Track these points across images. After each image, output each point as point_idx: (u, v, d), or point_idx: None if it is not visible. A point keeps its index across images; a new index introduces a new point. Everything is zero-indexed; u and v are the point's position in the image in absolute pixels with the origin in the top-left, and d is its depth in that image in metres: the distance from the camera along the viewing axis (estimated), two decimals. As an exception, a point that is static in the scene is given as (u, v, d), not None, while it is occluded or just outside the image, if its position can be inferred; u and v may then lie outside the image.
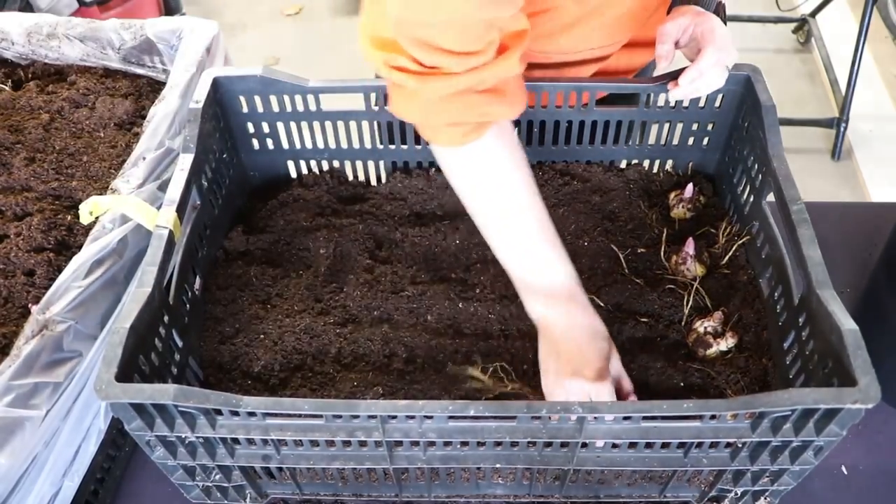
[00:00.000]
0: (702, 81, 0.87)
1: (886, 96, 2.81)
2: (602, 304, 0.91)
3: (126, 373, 0.66)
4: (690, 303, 0.90)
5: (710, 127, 1.02)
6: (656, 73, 0.93)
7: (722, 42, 0.86)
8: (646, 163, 1.08)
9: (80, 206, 0.88)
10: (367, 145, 1.05)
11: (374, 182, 1.10)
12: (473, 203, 0.83)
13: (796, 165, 0.85)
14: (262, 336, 0.88)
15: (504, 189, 0.81)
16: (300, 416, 0.67)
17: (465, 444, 0.72)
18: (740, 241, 0.94)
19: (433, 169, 1.08)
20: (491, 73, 0.74)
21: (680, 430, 0.68)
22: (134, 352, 0.68)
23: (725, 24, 0.91)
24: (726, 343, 0.85)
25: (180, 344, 0.81)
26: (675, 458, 0.73)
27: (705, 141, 1.04)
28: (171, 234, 0.79)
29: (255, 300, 0.92)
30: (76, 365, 0.77)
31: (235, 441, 0.71)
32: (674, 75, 0.89)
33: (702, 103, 0.99)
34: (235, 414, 0.66)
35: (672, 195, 1.04)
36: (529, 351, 0.87)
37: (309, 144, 1.05)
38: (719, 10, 0.92)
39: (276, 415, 0.67)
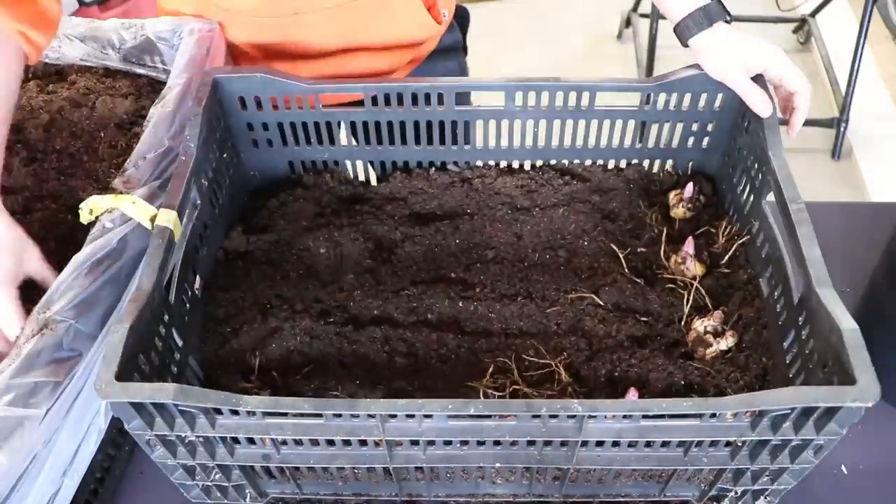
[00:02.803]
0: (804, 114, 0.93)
1: (886, 96, 2.81)
2: (602, 304, 0.91)
3: (126, 372, 0.66)
4: (690, 302, 0.90)
5: (710, 127, 1.02)
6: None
7: (804, 81, 0.91)
8: (646, 163, 1.08)
9: (80, 206, 0.88)
10: (367, 145, 1.05)
11: (374, 182, 1.10)
12: None
13: (796, 165, 0.85)
14: (262, 336, 0.88)
15: None
16: (300, 415, 0.67)
17: (464, 443, 0.72)
18: (740, 241, 0.94)
19: (433, 169, 1.08)
20: None
21: (680, 428, 0.68)
22: (134, 351, 0.68)
23: (731, 15, 0.93)
24: (726, 342, 0.85)
25: (180, 343, 0.81)
26: (675, 457, 0.73)
27: (705, 141, 1.04)
28: (171, 234, 0.79)
29: (255, 300, 0.92)
30: (76, 364, 0.77)
31: (235, 440, 0.72)
32: (782, 122, 0.91)
33: (702, 104, 0.99)
34: (235, 413, 0.66)
35: (672, 195, 1.04)
36: (531, 349, 0.87)
37: (309, 144, 1.05)
38: (724, 8, 0.93)
39: (276, 414, 0.67)
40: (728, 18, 0.92)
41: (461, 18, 1.29)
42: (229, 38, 1.10)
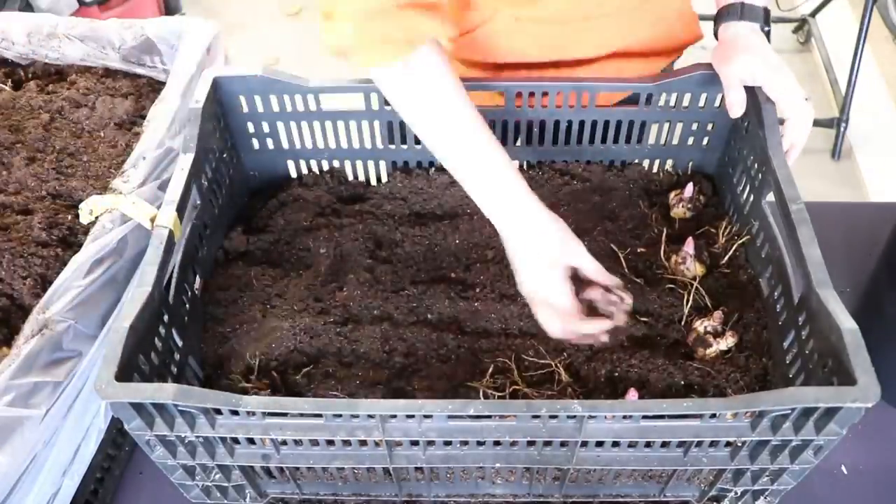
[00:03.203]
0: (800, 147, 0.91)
1: (886, 96, 2.81)
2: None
3: (126, 372, 0.66)
4: (690, 302, 0.90)
5: (710, 127, 1.02)
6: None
7: (802, 113, 0.89)
8: (646, 162, 1.08)
9: (80, 206, 0.88)
10: (367, 145, 1.05)
11: (374, 182, 1.10)
12: (418, 122, 0.85)
13: (796, 165, 0.86)
14: (262, 336, 0.88)
15: (444, 104, 0.83)
16: (300, 415, 0.67)
17: (464, 443, 0.72)
18: (740, 241, 0.94)
19: (433, 169, 1.08)
20: None
21: (680, 428, 0.68)
22: (134, 351, 0.68)
23: (770, 26, 0.92)
24: (726, 342, 0.85)
25: (180, 343, 0.81)
26: (675, 457, 0.73)
27: (705, 141, 1.04)
28: (171, 233, 0.79)
29: (255, 300, 0.92)
30: (76, 364, 0.77)
31: (235, 440, 0.71)
32: (782, 122, 0.90)
33: (702, 104, 0.99)
34: (235, 413, 0.66)
35: (672, 195, 1.04)
36: (530, 349, 0.87)
37: (309, 144, 1.05)
38: (766, 17, 0.93)
39: (275, 414, 0.67)
40: (766, 29, 0.92)
41: None
42: (497, 56, 1.03)
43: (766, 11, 0.93)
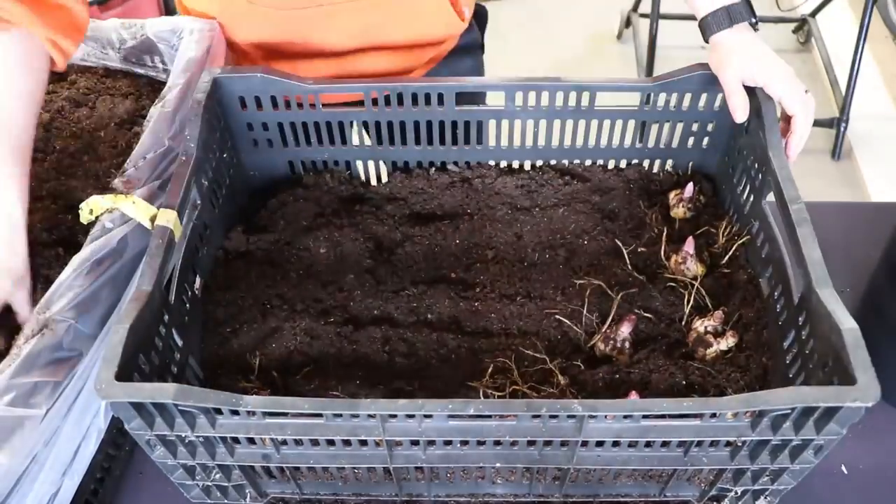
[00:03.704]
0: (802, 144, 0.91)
1: (886, 96, 2.81)
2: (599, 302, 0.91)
3: (126, 372, 0.66)
4: (691, 302, 0.90)
5: (710, 127, 1.02)
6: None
7: (805, 107, 0.90)
8: (646, 163, 1.08)
9: (80, 206, 0.88)
10: (367, 145, 1.05)
11: (374, 182, 1.10)
12: None
13: (796, 165, 0.86)
14: (262, 336, 0.88)
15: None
16: (300, 415, 0.67)
17: (465, 443, 0.72)
18: (740, 241, 0.94)
19: (433, 169, 1.08)
20: None
21: (680, 428, 0.68)
22: (134, 351, 0.68)
23: (756, 17, 0.92)
24: (726, 342, 0.85)
25: (180, 343, 0.81)
26: (675, 456, 0.73)
27: (705, 141, 1.04)
28: (171, 233, 0.79)
29: (255, 300, 0.92)
30: (76, 364, 0.76)
31: (235, 440, 0.71)
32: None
33: (702, 104, 0.99)
34: (235, 413, 0.66)
35: (672, 195, 1.04)
36: (530, 348, 0.87)
37: (309, 144, 1.05)
38: (751, 9, 0.93)
39: (275, 414, 0.67)
40: (753, 21, 0.92)
41: (479, 17, 1.28)
42: (243, 38, 1.08)
43: (748, 4, 0.92)
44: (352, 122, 1.02)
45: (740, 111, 0.91)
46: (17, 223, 0.80)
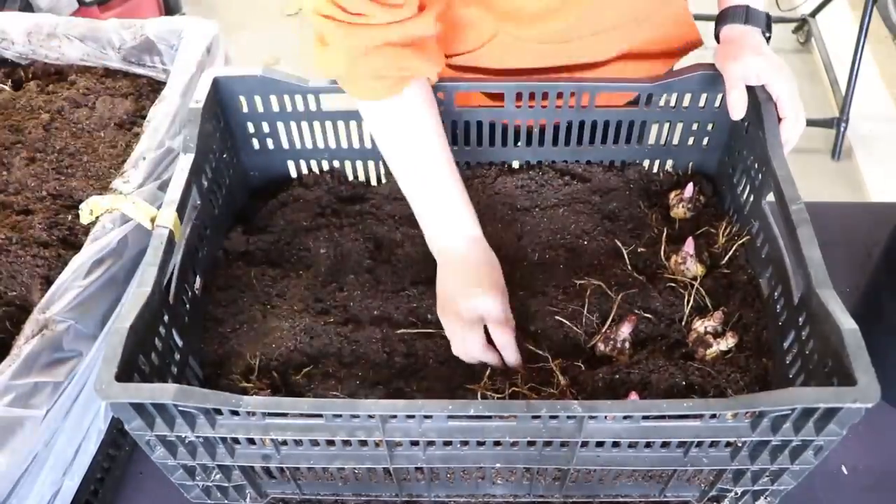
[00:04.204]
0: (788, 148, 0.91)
1: (886, 96, 2.81)
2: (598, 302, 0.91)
3: (126, 372, 0.66)
4: (691, 303, 0.90)
5: (710, 127, 1.02)
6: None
7: (798, 114, 0.90)
8: (646, 163, 1.08)
9: (81, 206, 0.88)
10: (367, 145, 1.05)
11: (374, 182, 1.10)
12: (393, 154, 0.91)
13: (796, 165, 0.86)
14: (262, 336, 0.88)
15: (422, 142, 0.89)
16: (300, 415, 0.67)
17: (465, 443, 0.72)
18: (740, 241, 0.94)
19: (433, 169, 1.08)
20: (414, 27, 0.80)
21: (680, 429, 0.68)
22: (134, 351, 0.68)
23: (771, 32, 0.93)
24: (726, 343, 0.85)
25: (180, 344, 0.81)
26: (675, 457, 0.73)
27: (705, 141, 1.04)
28: (171, 234, 0.79)
29: (256, 300, 0.92)
30: (76, 364, 0.77)
31: (235, 441, 0.71)
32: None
33: (702, 104, 0.99)
34: (235, 413, 0.66)
35: (672, 195, 1.04)
36: (531, 347, 0.87)
37: (309, 144, 1.05)
38: (769, 23, 0.94)
39: (275, 414, 0.67)
40: (767, 35, 0.92)
41: None
42: (497, 65, 1.03)
43: (768, 17, 0.93)
44: (352, 123, 1.02)
45: (739, 107, 0.91)
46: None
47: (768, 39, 0.93)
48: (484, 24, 0.96)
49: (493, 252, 0.91)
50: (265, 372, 0.85)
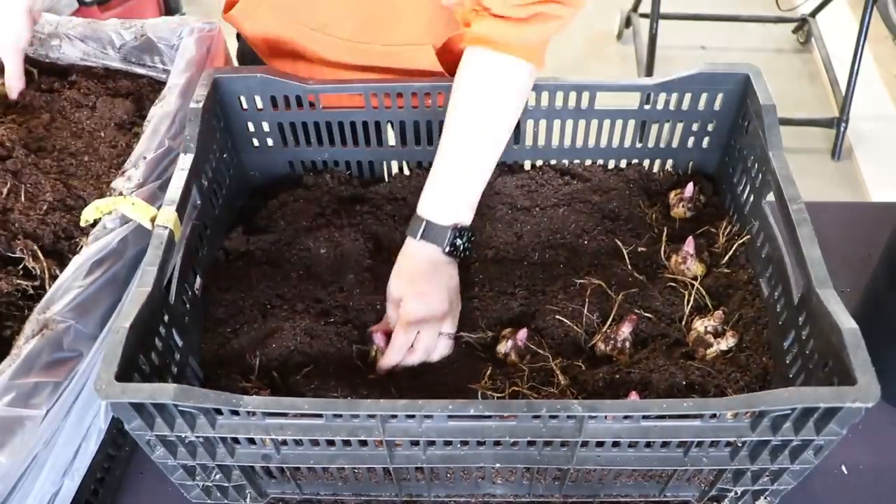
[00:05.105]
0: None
1: (886, 96, 2.82)
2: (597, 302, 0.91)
3: (126, 372, 0.66)
4: (691, 302, 0.90)
5: (710, 127, 1.02)
6: None
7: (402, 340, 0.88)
8: (646, 162, 1.08)
9: (82, 213, 0.88)
10: (368, 145, 1.05)
11: (374, 182, 1.10)
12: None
13: (796, 165, 0.86)
14: (262, 336, 0.88)
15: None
16: (300, 415, 0.67)
17: (465, 443, 0.72)
18: (740, 241, 0.94)
19: (433, 169, 1.08)
20: None
21: (680, 429, 0.68)
22: (134, 351, 0.68)
23: (459, 252, 0.93)
24: (726, 342, 0.85)
25: (180, 343, 0.81)
26: (675, 457, 0.73)
27: (705, 141, 1.04)
28: (171, 234, 0.79)
29: (256, 300, 0.92)
30: (76, 364, 0.76)
31: (235, 440, 0.71)
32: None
33: (702, 103, 0.99)
34: (235, 413, 0.66)
35: (672, 194, 1.04)
36: (532, 346, 0.87)
37: (309, 144, 1.05)
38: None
39: (275, 414, 0.67)
40: (448, 250, 0.92)
41: None
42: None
43: (458, 231, 0.91)
44: (352, 122, 1.02)
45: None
46: None
47: (455, 254, 0.92)
48: None
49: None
50: (265, 372, 0.85)
